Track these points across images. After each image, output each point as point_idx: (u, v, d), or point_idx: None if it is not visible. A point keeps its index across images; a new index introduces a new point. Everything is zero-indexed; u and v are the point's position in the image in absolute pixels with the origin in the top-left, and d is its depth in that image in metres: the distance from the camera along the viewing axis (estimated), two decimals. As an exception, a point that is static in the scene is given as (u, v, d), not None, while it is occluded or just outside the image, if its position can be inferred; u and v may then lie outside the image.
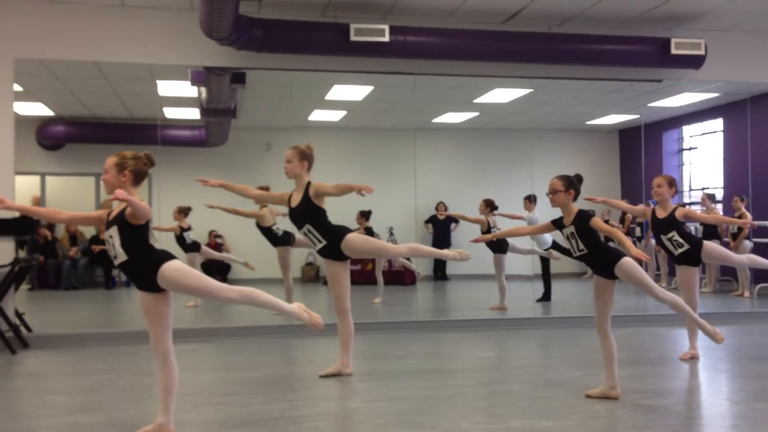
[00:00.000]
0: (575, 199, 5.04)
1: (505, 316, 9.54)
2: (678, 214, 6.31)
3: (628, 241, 4.90)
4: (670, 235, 6.35)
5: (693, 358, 6.53)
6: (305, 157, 5.76)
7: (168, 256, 4.02)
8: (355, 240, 5.71)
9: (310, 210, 5.67)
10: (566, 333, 8.28)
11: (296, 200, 5.74)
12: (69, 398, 5.32)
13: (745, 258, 6.92)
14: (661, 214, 6.38)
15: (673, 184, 6.36)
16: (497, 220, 10.20)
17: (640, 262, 4.80)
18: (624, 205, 7.25)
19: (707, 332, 5.23)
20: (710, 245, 6.44)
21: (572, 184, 5.01)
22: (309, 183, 5.72)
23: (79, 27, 8.04)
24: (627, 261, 4.92)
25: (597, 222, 4.92)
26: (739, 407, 4.99)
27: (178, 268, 3.98)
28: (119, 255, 3.99)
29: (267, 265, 10.30)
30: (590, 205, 7.14)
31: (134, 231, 3.96)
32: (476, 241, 5.86)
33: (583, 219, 4.93)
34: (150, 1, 8.00)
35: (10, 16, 7.86)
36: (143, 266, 3.98)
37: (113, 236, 3.97)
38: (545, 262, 10.86)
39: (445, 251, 5.97)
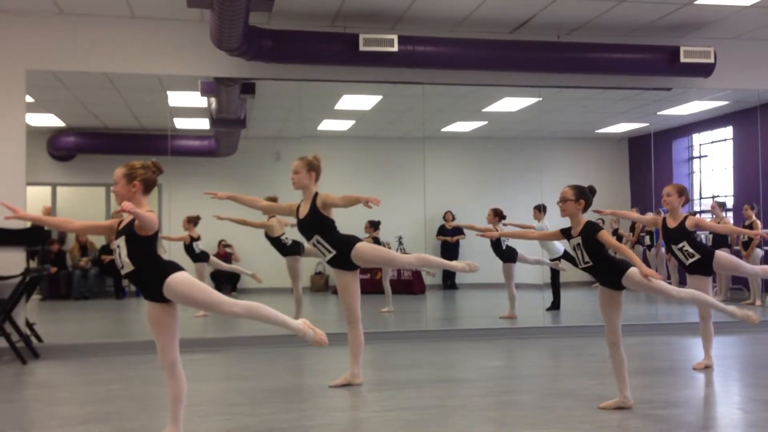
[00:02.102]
0: (585, 210, 4.99)
1: (515, 325, 9.52)
2: (688, 223, 6.25)
3: (637, 258, 4.85)
4: (680, 245, 6.30)
5: (707, 368, 6.47)
6: (312, 167, 5.77)
7: (175, 268, 4.02)
8: (364, 249, 5.72)
9: (318, 221, 5.67)
10: (576, 342, 8.24)
11: (304, 211, 5.75)
12: (79, 408, 5.34)
13: (759, 269, 6.83)
14: (672, 223, 6.33)
15: (683, 193, 6.29)
16: (505, 230, 10.19)
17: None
18: (633, 215, 7.22)
19: (739, 317, 5.02)
20: (722, 255, 6.38)
21: (583, 194, 4.97)
22: (316, 194, 5.72)
23: (90, 38, 8.11)
24: (634, 271, 4.87)
25: (604, 235, 4.86)
26: (751, 417, 4.96)
27: (184, 279, 3.98)
28: (126, 265, 4.00)
29: (276, 275, 10.31)
30: (599, 217, 7.10)
31: (141, 242, 3.97)
32: (484, 236, 5.83)
33: (590, 231, 4.88)
34: (160, 12, 8.06)
35: (21, 28, 7.93)
36: (150, 277, 3.99)
37: (120, 246, 3.99)
38: (554, 270, 10.83)
39: (454, 263, 5.94)
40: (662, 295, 4.97)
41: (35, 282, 8.14)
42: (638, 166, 14.41)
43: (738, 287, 12.08)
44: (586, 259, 4.93)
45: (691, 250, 6.27)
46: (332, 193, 5.67)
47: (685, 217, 6.29)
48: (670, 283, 12.99)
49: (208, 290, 4.06)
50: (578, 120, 13.37)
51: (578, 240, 4.93)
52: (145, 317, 4.15)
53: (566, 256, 10.55)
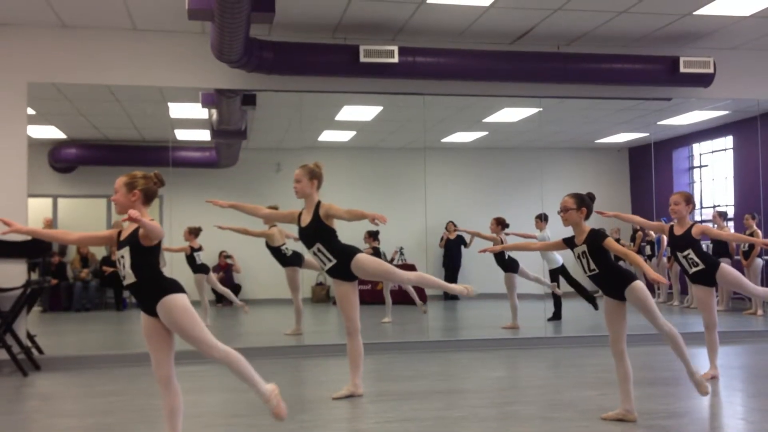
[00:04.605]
0: (587, 217, 5.00)
1: (516, 335, 9.50)
2: (694, 231, 6.26)
3: (644, 264, 4.84)
4: (685, 252, 6.31)
5: (713, 378, 6.45)
6: (315, 175, 5.77)
7: (176, 288, 4.00)
8: (364, 261, 5.70)
9: (320, 230, 5.67)
10: (578, 352, 8.23)
11: (306, 220, 5.74)
12: (80, 420, 5.33)
13: (761, 291, 6.67)
14: (679, 230, 6.34)
15: (690, 201, 6.32)
16: (507, 239, 10.20)
17: (651, 287, 4.71)
18: (638, 219, 7.14)
19: (695, 380, 5.13)
20: (727, 269, 6.33)
21: (584, 202, 4.98)
22: (319, 203, 5.72)
23: (91, 51, 8.13)
24: (639, 285, 4.87)
25: (610, 242, 4.87)
26: (754, 427, 4.94)
27: (181, 304, 3.95)
28: (128, 276, 3.99)
29: (277, 285, 10.30)
30: (602, 220, 7.07)
31: (145, 252, 3.96)
32: (485, 251, 5.81)
33: (595, 238, 4.89)
34: (161, 24, 8.09)
35: (23, 41, 7.96)
36: (150, 290, 3.97)
37: (124, 256, 3.98)
38: (556, 280, 10.82)
39: (453, 285, 5.85)
40: (651, 319, 4.95)
41: (36, 294, 8.13)
42: (639, 176, 14.43)
43: (740, 297, 12.05)
44: (592, 266, 4.92)
45: (696, 259, 6.27)
46: (335, 204, 5.66)
47: (692, 225, 6.30)
48: (671, 293, 13.05)
49: (199, 323, 4.01)
50: (579, 130, 13.39)
51: (583, 248, 4.93)
52: (141, 330, 4.12)
53: (562, 270, 10.61)
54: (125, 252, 3.97)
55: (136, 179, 4.09)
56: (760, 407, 5.51)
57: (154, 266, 4.00)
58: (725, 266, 6.34)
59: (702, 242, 6.58)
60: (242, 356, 4.13)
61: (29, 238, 7.76)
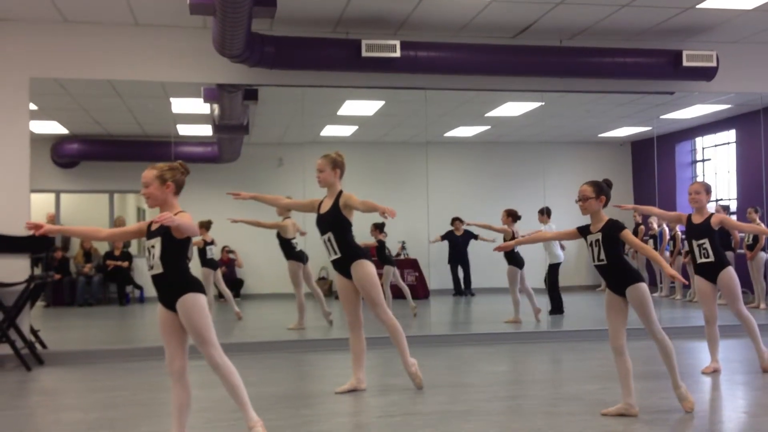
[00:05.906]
0: (606, 205, 4.99)
1: (518, 329, 9.50)
2: (713, 221, 6.30)
3: (662, 260, 4.87)
4: (701, 241, 6.35)
5: (715, 371, 6.46)
6: (337, 165, 5.81)
7: (198, 287, 4.05)
8: (364, 271, 5.69)
9: (336, 219, 5.69)
10: (579, 346, 8.23)
11: (326, 207, 5.77)
12: (84, 415, 5.34)
13: (745, 317, 6.53)
14: (697, 219, 6.40)
15: (709, 191, 6.42)
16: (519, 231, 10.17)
17: (655, 282, 4.72)
18: (656, 210, 7.13)
19: (678, 394, 5.07)
20: (731, 275, 6.34)
21: (603, 190, 4.95)
22: (341, 192, 5.75)
23: (93, 46, 8.13)
24: (642, 287, 4.86)
25: (628, 235, 4.86)
26: (757, 421, 4.95)
27: (200, 304, 4.01)
28: (155, 266, 4.01)
29: (279, 280, 10.32)
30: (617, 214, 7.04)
31: (177, 244, 3.99)
32: (499, 248, 5.77)
33: (613, 228, 4.87)
34: (163, 19, 8.09)
35: (25, 36, 7.96)
36: (173, 284, 4.00)
37: (155, 246, 4.00)
38: (553, 275, 10.77)
39: (410, 363, 5.84)
40: (647, 324, 4.93)
41: (39, 289, 8.15)
42: (641, 170, 14.42)
43: (742, 290, 12.03)
44: (602, 256, 4.91)
45: (709, 250, 6.29)
46: (354, 195, 5.67)
47: (711, 215, 6.34)
48: (673, 287, 13.02)
49: (211, 326, 4.08)
50: (581, 124, 13.37)
51: (597, 236, 4.91)
52: (152, 323, 4.16)
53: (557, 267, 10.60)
54: (156, 242, 3.99)
55: (165, 171, 4.11)
56: (763, 401, 5.51)
57: (182, 259, 4.03)
58: (732, 272, 6.35)
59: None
60: (240, 379, 4.19)
61: (32, 232, 7.77)
